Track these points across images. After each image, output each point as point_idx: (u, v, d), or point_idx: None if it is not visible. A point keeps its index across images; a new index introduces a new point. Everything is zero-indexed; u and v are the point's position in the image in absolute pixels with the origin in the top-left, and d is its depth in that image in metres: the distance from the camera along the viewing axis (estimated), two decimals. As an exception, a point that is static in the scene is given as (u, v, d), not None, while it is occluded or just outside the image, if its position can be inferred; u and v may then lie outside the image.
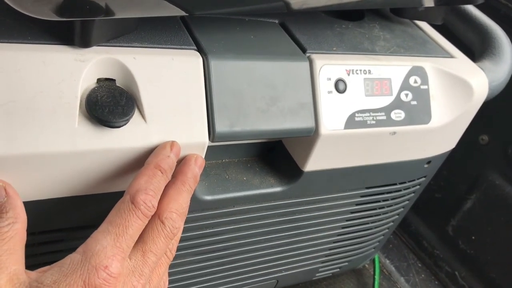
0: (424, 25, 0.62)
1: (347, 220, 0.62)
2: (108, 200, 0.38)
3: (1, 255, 0.32)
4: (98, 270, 0.32)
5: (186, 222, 0.48)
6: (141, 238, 0.37)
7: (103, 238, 0.34)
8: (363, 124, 0.49)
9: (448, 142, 0.60)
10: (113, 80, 0.38)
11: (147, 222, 0.37)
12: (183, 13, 0.38)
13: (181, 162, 0.41)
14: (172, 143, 0.39)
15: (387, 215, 0.66)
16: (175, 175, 0.40)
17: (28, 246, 0.41)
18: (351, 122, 0.48)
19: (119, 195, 0.37)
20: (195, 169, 0.41)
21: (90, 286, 0.32)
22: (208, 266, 0.55)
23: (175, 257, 0.50)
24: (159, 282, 0.40)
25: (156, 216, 0.37)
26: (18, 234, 0.34)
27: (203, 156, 0.43)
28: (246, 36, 0.47)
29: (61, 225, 0.42)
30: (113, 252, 0.34)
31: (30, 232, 0.40)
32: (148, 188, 0.36)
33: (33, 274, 0.34)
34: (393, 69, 0.51)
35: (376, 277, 0.82)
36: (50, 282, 0.32)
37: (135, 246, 0.36)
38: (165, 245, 0.38)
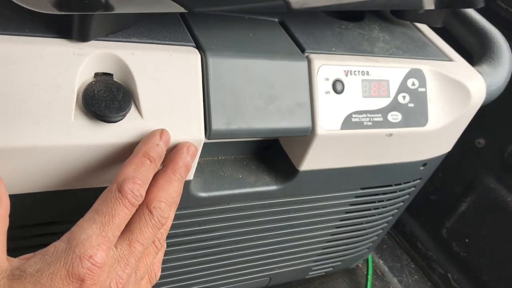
0: (424, 27, 0.62)
1: (341, 220, 0.62)
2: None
3: None
4: (82, 260, 0.32)
5: (180, 218, 0.48)
6: (128, 227, 0.36)
7: (89, 227, 0.33)
8: (360, 125, 0.49)
9: (444, 145, 0.60)
10: (110, 75, 0.38)
11: (134, 211, 0.36)
12: (182, 10, 0.38)
13: (173, 150, 0.40)
14: (162, 131, 0.39)
15: (381, 216, 0.66)
16: (166, 164, 0.39)
17: (21, 238, 0.42)
18: (348, 123, 0.48)
19: (113, 190, 0.37)
20: (187, 157, 0.40)
21: (74, 275, 0.31)
22: (201, 263, 0.56)
23: (168, 253, 0.50)
24: (146, 271, 0.39)
25: (144, 205, 0.37)
26: (0, 219, 0.33)
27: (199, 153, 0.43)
28: (245, 34, 0.47)
29: (55, 218, 0.42)
30: (98, 241, 0.33)
31: (23, 224, 0.41)
32: (136, 177, 0.35)
33: (15, 261, 0.33)
34: (391, 71, 0.51)
35: (369, 277, 0.83)
36: (33, 271, 0.31)
37: (122, 235, 0.36)
38: (153, 234, 0.37)
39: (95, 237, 0.33)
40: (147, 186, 0.37)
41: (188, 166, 0.40)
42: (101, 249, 0.33)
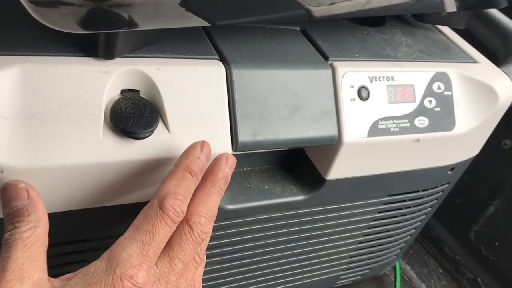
0: (446, 29, 0.62)
1: (369, 228, 0.61)
2: (133, 211, 0.38)
3: (23, 263, 0.31)
4: (123, 280, 0.31)
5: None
6: (168, 244, 0.35)
7: (129, 246, 0.33)
8: (387, 132, 0.48)
9: (472, 148, 0.59)
10: (137, 91, 0.38)
11: (175, 228, 0.35)
12: (206, 24, 0.38)
13: (211, 162, 0.39)
14: (203, 143, 0.38)
15: (409, 222, 0.65)
16: (204, 176, 0.38)
17: (52, 256, 0.42)
18: (375, 130, 0.47)
19: (144, 205, 0.37)
20: (226, 169, 0.39)
21: None
22: (230, 275, 0.55)
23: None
24: (187, 287, 0.38)
25: (184, 221, 0.36)
26: (40, 239, 0.32)
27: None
28: (268, 44, 0.46)
29: (85, 235, 0.42)
30: (139, 261, 0.32)
31: (54, 243, 0.41)
32: (177, 192, 0.35)
33: (57, 282, 0.33)
34: (416, 75, 0.50)
35: (397, 283, 0.82)
36: None
37: (162, 252, 0.35)
38: (193, 250, 0.36)
39: (135, 256, 0.33)
40: (188, 201, 0.36)
41: (227, 178, 0.39)
42: (142, 269, 0.32)
